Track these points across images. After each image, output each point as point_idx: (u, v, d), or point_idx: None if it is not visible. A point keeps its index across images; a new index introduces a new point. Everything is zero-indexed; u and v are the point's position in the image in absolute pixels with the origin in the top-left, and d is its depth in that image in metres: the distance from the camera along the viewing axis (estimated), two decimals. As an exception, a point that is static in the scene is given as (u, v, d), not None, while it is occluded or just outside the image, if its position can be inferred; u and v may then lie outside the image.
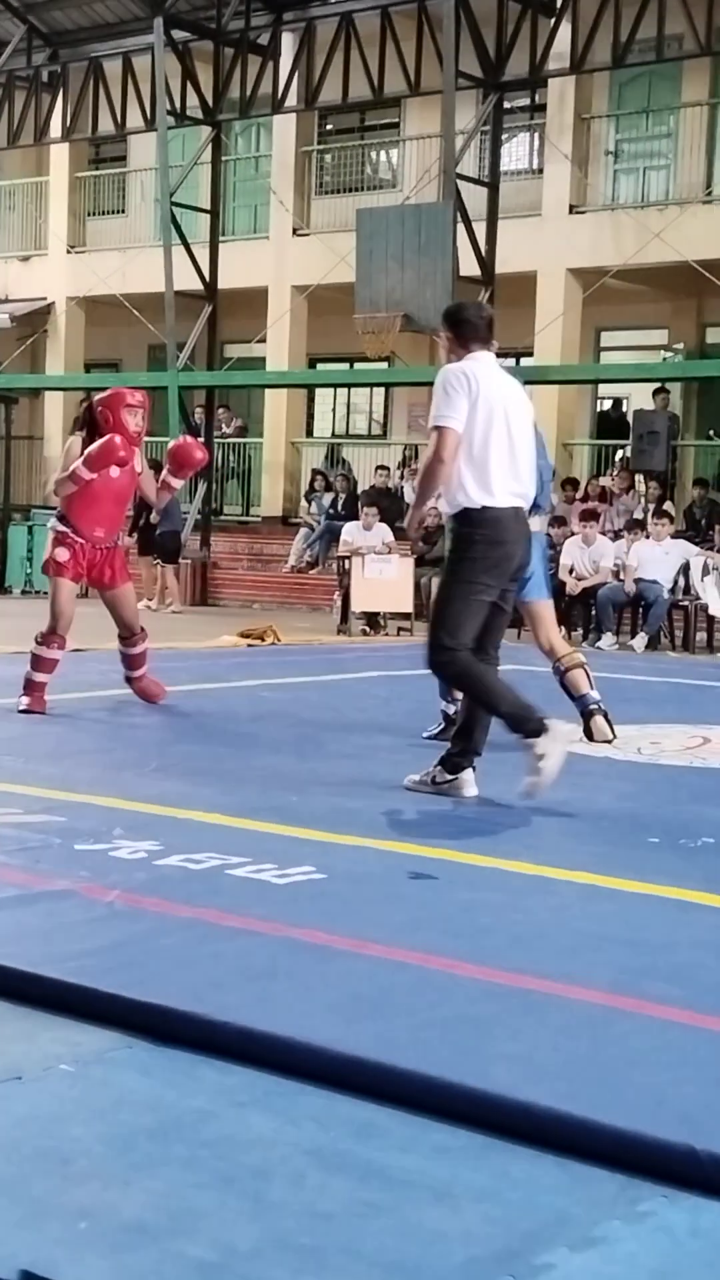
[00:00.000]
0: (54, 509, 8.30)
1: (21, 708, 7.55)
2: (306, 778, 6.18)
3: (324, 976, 3.39)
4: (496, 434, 5.54)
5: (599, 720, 7.27)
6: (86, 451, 7.66)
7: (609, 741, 7.21)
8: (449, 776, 5.72)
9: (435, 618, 5.73)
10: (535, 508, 7.34)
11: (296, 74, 20.49)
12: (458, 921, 3.94)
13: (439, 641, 5.57)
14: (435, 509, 8.34)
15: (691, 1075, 2.84)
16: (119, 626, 8.08)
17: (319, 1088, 2.81)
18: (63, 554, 7.78)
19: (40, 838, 4.71)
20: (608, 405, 21.70)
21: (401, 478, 20.66)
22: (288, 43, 20.76)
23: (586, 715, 7.27)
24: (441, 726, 7.10)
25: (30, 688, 7.66)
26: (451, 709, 7.19)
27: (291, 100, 20.67)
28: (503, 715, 5.55)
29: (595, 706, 7.30)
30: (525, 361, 19.93)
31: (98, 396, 8.04)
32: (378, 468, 20.18)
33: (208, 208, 20.85)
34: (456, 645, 5.54)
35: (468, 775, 5.75)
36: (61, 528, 7.85)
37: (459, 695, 7.22)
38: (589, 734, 7.24)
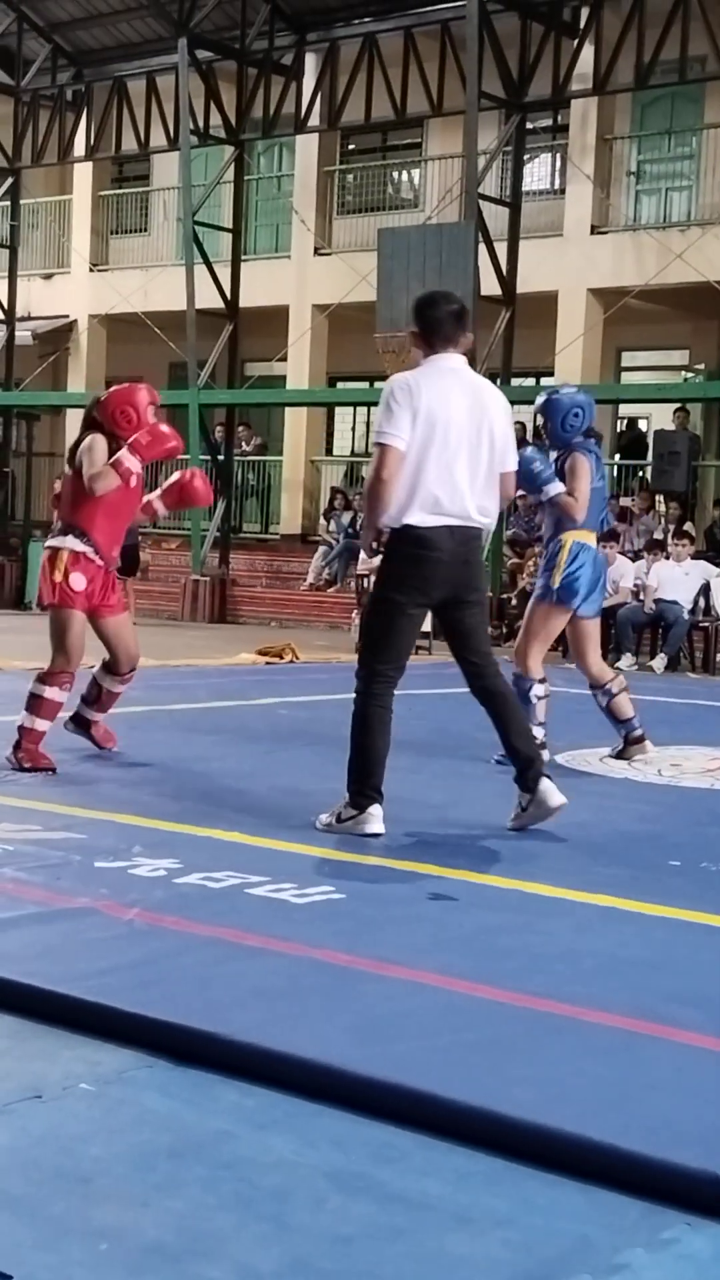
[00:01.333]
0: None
1: (24, 765, 6.37)
2: (326, 796, 6.16)
3: (343, 997, 3.38)
4: (434, 449, 5.29)
5: (649, 743, 7.44)
6: (132, 439, 6.54)
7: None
8: (529, 797, 5.54)
9: (364, 636, 5.56)
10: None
11: (319, 94, 20.57)
12: (478, 943, 3.92)
13: (367, 661, 5.42)
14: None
15: (714, 1100, 2.82)
16: (120, 659, 6.90)
17: (339, 1109, 2.80)
18: (80, 581, 6.56)
19: (60, 855, 4.70)
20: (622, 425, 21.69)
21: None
22: (311, 63, 20.85)
23: (637, 740, 7.41)
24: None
25: (29, 738, 6.44)
26: (540, 733, 7.19)
27: (314, 120, 20.75)
28: (352, 760, 5.35)
29: (642, 731, 7.44)
30: (545, 381, 19.91)
31: (110, 392, 6.84)
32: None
33: (230, 227, 20.92)
34: (384, 666, 5.39)
35: (545, 785, 5.51)
36: (81, 547, 6.60)
37: (542, 719, 7.23)
38: (629, 755, 7.38)
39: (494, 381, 19.96)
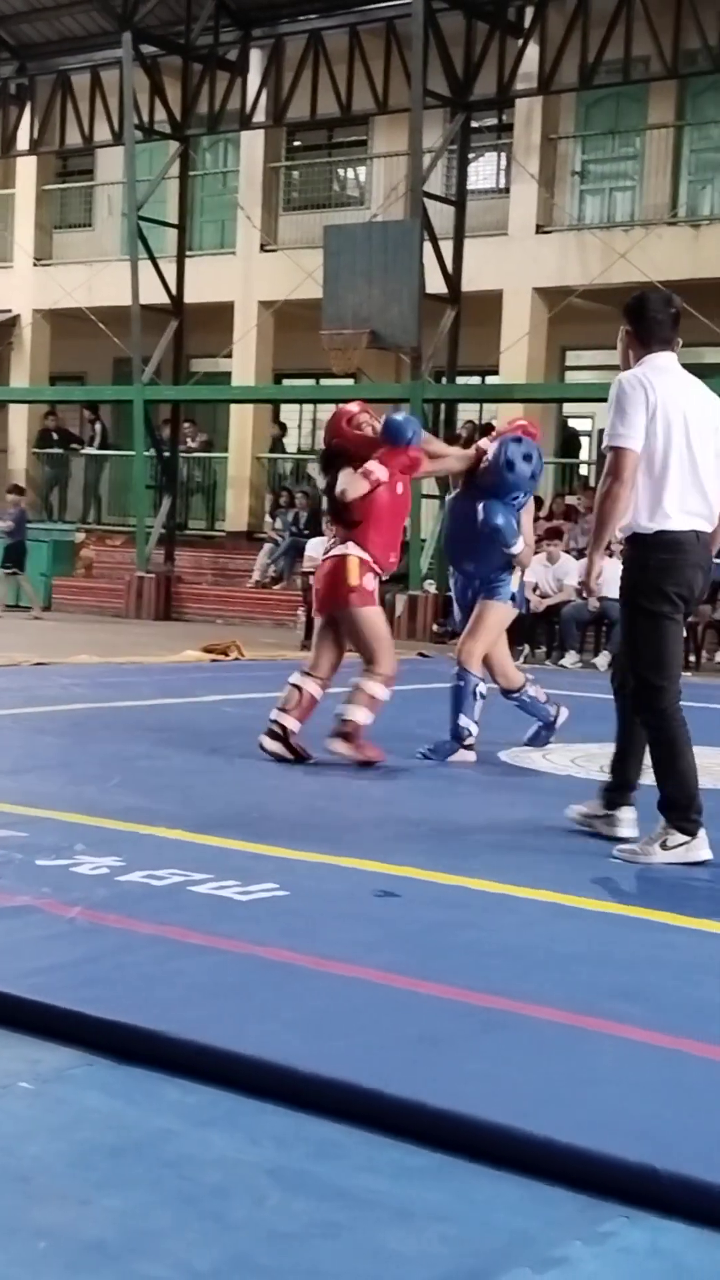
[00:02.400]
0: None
1: (363, 758, 6.87)
2: (270, 794, 6.18)
3: (286, 995, 3.38)
4: (676, 449, 5.02)
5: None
6: (380, 453, 6.91)
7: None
8: (603, 811, 5.38)
9: (634, 657, 5.13)
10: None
11: (265, 90, 20.54)
12: (421, 940, 3.94)
13: (648, 681, 5.07)
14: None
15: (652, 1095, 2.84)
16: (367, 653, 7.10)
17: (281, 1106, 2.80)
18: (372, 582, 6.97)
19: (1, 853, 4.68)
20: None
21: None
22: (256, 59, 20.80)
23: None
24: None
25: (358, 732, 6.90)
26: (474, 729, 7.23)
27: (259, 116, 20.71)
28: (665, 788, 5.08)
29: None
30: (490, 380, 19.99)
31: (333, 418, 7.22)
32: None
33: (175, 222, 20.85)
34: (667, 682, 5.06)
35: (625, 814, 5.36)
36: (362, 554, 6.96)
37: (476, 716, 7.24)
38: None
39: (439, 380, 19.98)
